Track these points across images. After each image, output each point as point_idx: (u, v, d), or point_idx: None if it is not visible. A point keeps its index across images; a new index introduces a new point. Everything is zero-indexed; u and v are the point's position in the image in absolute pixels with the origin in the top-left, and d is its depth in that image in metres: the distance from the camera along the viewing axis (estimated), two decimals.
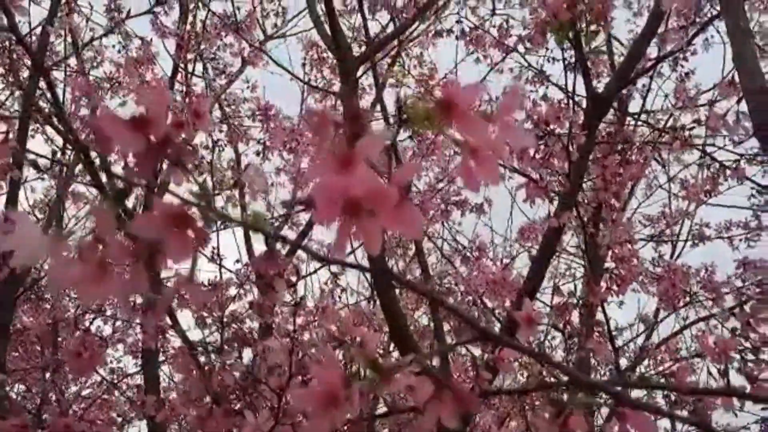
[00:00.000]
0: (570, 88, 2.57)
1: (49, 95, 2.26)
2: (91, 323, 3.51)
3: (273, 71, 4.94)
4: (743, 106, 2.06)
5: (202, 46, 3.32)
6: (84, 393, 3.44)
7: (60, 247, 0.47)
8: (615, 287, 1.74)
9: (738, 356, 0.92)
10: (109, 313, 3.60)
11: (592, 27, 1.57)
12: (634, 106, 3.20)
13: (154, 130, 0.46)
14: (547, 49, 2.48)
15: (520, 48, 2.64)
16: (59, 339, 3.31)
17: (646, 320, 2.92)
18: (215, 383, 1.09)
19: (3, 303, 2.36)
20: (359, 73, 2.54)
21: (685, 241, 3.60)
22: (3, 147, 1.04)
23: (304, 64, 3.33)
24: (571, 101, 2.53)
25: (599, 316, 1.99)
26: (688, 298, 2.55)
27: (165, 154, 0.47)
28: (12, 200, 2.38)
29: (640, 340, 3.50)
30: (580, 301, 1.87)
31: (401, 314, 1.94)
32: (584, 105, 2.38)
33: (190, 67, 3.42)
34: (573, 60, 2.48)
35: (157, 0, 3.52)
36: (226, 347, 1.16)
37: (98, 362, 1.34)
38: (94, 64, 3.53)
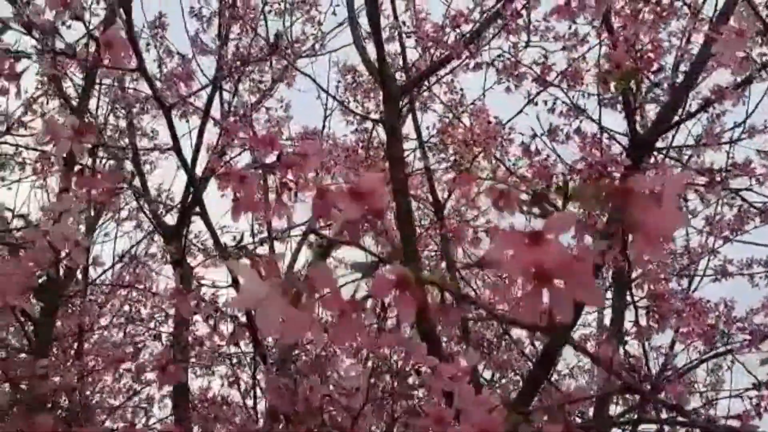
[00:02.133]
0: (601, 123, 2.66)
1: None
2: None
3: (301, 89, 5.02)
4: None
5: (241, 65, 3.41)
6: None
7: (277, 294, 0.54)
8: (654, 324, 1.81)
9: None
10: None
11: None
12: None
13: (370, 203, 0.53)
14: (583, 84, 2.56)
15: (555, 82, 2.73)
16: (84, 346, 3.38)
17: (669, 357, 2.98)
18: (300, 402, 1.15)
19: (47, 309, 2.43)
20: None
21: (703, 275, 3.68)
22: (116, 175, 1.11)
23: (337, 87, 3.42)
24: (603, 136, 2.62)
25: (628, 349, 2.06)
26: (712, 333, 2.62)
27: (371, 221, 0.55)
28: None
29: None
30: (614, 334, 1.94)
31: None
32: (622, 142, 2.47)
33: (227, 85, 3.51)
34: (610, 99, 2.57)
35: (195, 14, 3.62)
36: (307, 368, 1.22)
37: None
38: (134, 77, 3.61)
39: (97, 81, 3.16)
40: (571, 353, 3.96)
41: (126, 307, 3.88)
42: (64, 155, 1.04)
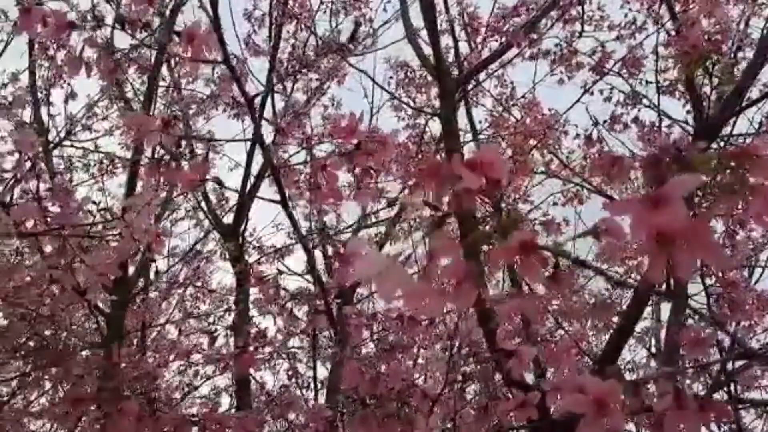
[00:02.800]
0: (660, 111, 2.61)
1: None
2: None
3: (349, 88, 5.07)
4: None
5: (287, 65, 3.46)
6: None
7: (396, 268, 0.56)
8: (728, 312, 1.77)
9: None
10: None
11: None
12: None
13: (489, 173, 0.54)
14: (642, 72, 2.53)
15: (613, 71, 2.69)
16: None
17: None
18: (382, 387, 1.17)
19: (118, 302, 2.52)
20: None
21: (765, 266, 3.56)
22: (204, 165, 1.15)
23: (389, 83, 3.45)
24: (662, 123, 2.57)
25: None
26: None
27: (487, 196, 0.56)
28: None
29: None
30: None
31: None
32: (682, 128, 2.42)
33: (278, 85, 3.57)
34: (668, 86, 2.52)
35: (247, 16, 3.69)
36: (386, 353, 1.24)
37: None
38: (190, 79, 3.71)
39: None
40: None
41: (187, 303, 3.97)
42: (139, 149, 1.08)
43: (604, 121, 2.55)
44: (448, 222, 0.60)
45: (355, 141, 1.08)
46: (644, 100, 2.54)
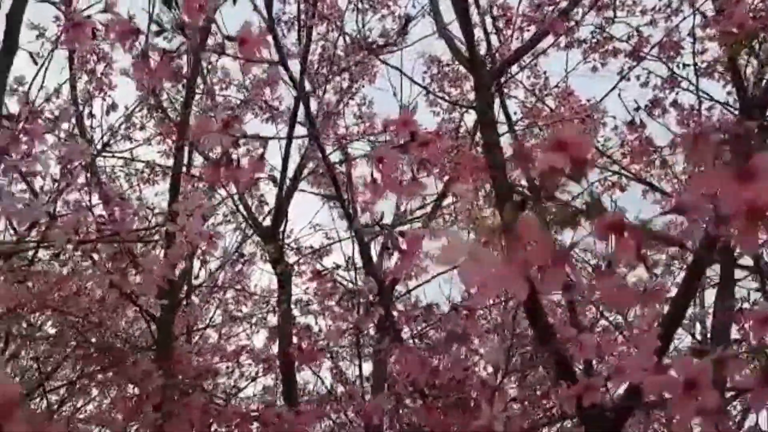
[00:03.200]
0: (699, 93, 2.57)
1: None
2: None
3: (379, 87, 5.08)
4: None
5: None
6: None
7: (483, 251, 0.57)
8: None
9: None
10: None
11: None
12: None
13: (573, 153, 0.55)
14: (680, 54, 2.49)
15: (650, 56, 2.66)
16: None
17: None
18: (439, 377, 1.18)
19: (168, 306, 2.57)
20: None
21: None
22: (259, 163, 1.17)
23: (423, 78, 3.45)
24: (702, 105, 2.53)
25: None
26: None
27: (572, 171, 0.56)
28: None
29: None
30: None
31: None
32: (723, 110, 2.38)
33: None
34: (706, 67, 2.49)
35: (277, 19, 3.73)
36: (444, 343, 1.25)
37: None
38: (223, 86, 3.78)
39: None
40: None
41: (229, 306, 4.03)
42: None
43: (645, 106, 2.52)
44: (526, 207, 0.60)
45: (409, 133, 1.09)
46: (683, 83, 2.51)
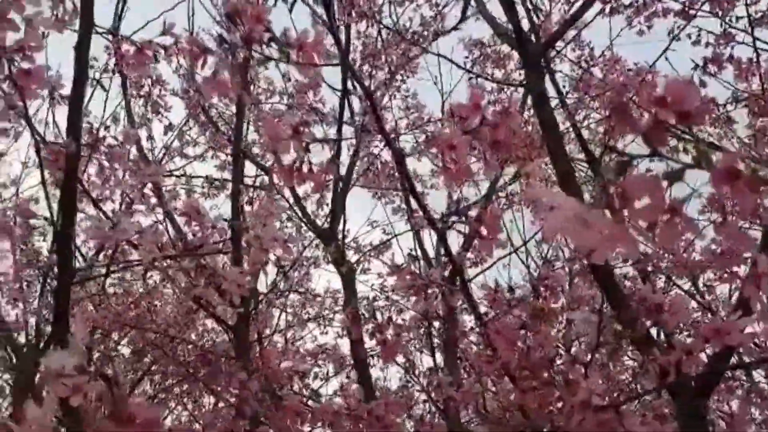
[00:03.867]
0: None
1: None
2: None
3: (422, 78, 5.09)
4: None
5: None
6: None
7: (594, 213, 0.57)
8: None
9: None
10: None
11: None
12: None
13: (678, 106, 0.54)
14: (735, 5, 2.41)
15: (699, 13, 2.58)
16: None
17: None
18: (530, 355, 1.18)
19: (243, 315, 2.64)
20: None
21: None
22: (331, 166, 1.19)
23: (465, 62, 3.43)
24: (763, 57, 2.43)
25: None
26: None
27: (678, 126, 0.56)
28: None
29: None
30: None
31: None
32: None
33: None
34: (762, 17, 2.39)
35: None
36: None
37: None
38: (268, 94, 3.85)
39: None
40: None
41: (295, 310, 4.11)
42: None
43: (697, 66, 2.45)
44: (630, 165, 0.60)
45: (479, 117, 1.09)
46: (737, 37, 2.42)
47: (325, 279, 7.72)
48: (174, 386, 4.14)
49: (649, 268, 3.03)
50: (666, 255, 2.99)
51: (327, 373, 4.02)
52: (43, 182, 1.58)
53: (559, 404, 1.22)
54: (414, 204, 3.62)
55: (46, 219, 3.05)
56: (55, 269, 2.84)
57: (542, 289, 1.38)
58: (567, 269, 2.74)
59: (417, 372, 3.39)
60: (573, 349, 1.26)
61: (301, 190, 3.20)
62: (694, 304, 3.25)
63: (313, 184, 1.26)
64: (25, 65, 1.10)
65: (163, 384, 4.23)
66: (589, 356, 1.24)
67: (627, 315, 1.55)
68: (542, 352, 1.19)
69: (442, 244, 1.24)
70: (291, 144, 1.16)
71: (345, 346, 3.85)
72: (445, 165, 1.13)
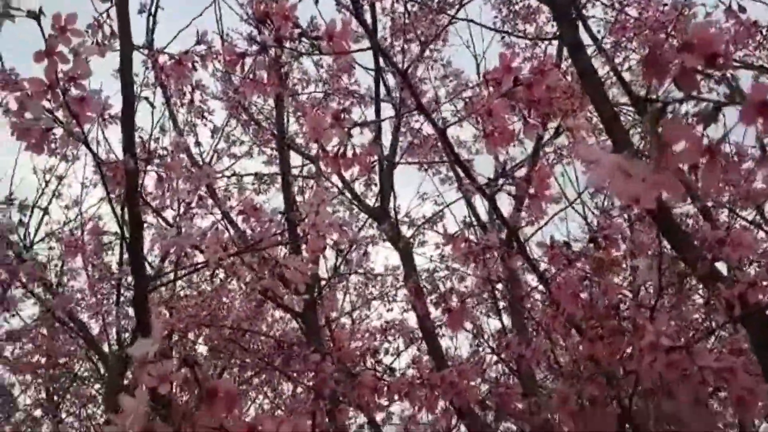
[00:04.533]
0: None
1: None
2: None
3: (453, 44, 5.03)
4: None
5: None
6: None
7: (634, 162, 0.58)
8: None
9: None
10: None
11: None
12: None
13: (705, 51, 0.55)
14: None
15: None
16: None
17: None
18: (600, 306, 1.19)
19: (309, 301, 2.72)
20: None
21: None
22: (374, 146, 1.23)
23: (495, 22, 3.39)
24: None
25: None
26: None
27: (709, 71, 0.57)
28: None
29: None
30: None
31: None
32: None
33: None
34: None
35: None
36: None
37: None
38: (304, 84, 3.89)
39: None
40: None
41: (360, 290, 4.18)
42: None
43: None
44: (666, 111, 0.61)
45: (512, 78, 1.10)
46: None
47: (384, 256, 7.82)
48: (252, 377, 4.29)
49: (710, 204, 2.95)
50: (727, 187, 2.89)
51: (397, 348, 4.10)
52: (109, 200, 1.67)
53: (629, 350, 1.23)
54: (461, 172, 3.62)
55: (114, 234, 3.20)
56: (129, 279, 2.99)
57: (601, 240, 1.39)
58: (626, 217, 2.69)
59: (486, 336, 3.42)
60: (640, 294, 1.27)
61: (348, 175, 3.24)
62: (762, 234, 3.15)
63: (358, 167, 1.30)
64: (78, 93, 1.17)
65: (242, 376, 4.39)
66: (655, 300, 1.24)
67: (690, 254, 1.54)
68: (607, 301, 1.20)
69: (494, 209, 1.26)
70: (333, 132, 1.19)
71: (412, 319, 3.92)
72: (486, 131, 1.15)
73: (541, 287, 1.45)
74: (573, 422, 1.35)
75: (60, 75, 1.13)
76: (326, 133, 1.18)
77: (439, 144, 3.79)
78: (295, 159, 3.74)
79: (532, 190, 1.11)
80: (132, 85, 1.36)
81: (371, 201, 3.92)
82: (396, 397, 1.50)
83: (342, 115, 1.17)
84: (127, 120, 1.36)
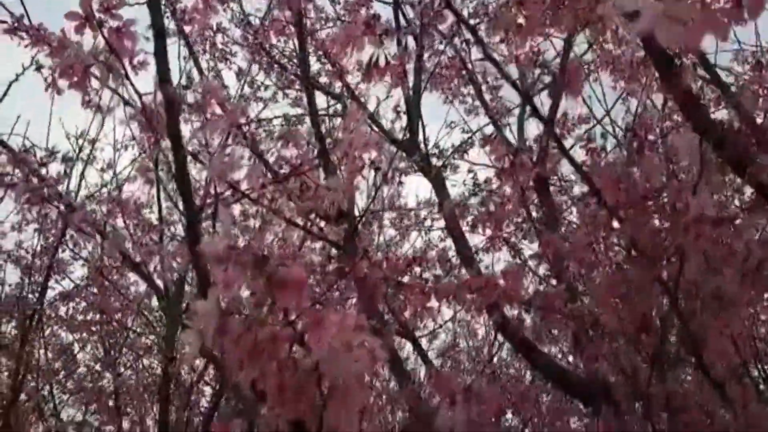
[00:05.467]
0: None
1: None
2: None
3: None
4: None
5: None
6: None
7: (671, 7, 0.59)
8: None
9: None
10: None
11: None
12: None
13: None
14: None
15: None
16: None
17: None
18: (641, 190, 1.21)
19: (348, 234, 2.78)
20: None
21: None
22: (404, 54, 1.23)
23: None
24: None
25: None
26: None
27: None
28: None
29: None
30: None
31: None
32: None
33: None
34: None
35: None
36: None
37: None
38: (322, 21, 3.85)
39: None
40: None
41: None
42: None
43: None
44: None
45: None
46: None
47: (415, 189, 7.85)
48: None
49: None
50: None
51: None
52: (147, 142, 1.71)
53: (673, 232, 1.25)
54: (487, 98, 3.58)
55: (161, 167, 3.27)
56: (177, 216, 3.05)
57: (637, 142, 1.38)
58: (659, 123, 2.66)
59: (523, 259, 3.46)
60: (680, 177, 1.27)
61: (373, 102, 3.24)
62: None
63: (391, 76, 1.32)
64: (113, 23, 1.19)
65: None
66: (698, 177, 1.25)
67: (713, 137, 1.53)
68: (648, 185, 1.22)
69: (527, 100, 1.27)
70: (365, 40, 1.21)
71: (450, 251, 3.97)
72: (518, 23, 1.15)
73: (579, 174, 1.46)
74: (613, 314, 1.38)
75: (95, 7, 1.16)
76: (359, 40, 1.19)
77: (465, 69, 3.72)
78: (320, 101, 3.74)
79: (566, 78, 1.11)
80: (162, 16, 1.38)
81: (400, 135, 3.92)
82: (444, 300, 1.55)
83: (372, 22, 1.18)
84: (160, 52, 1.39)
